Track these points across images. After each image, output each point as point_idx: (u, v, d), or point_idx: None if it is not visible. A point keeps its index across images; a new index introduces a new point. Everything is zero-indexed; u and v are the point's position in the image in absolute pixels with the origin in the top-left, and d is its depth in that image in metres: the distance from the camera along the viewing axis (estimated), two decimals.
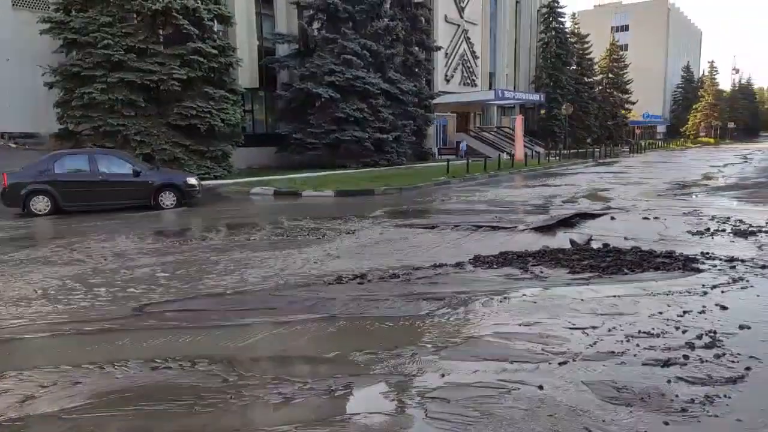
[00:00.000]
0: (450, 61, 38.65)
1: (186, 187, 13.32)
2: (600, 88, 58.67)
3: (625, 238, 8.24)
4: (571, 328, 4.55)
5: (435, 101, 33.84)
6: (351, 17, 25.79)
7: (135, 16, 18.86)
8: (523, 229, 9.36)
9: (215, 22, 20.65)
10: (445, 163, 23.20)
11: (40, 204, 12.05)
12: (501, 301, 5.34)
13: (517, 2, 49.62)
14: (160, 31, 19.17)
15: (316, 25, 26.45)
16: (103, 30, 17.58)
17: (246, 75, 24.93)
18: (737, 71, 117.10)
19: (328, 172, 22.44)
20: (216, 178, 19.61)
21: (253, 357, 4.13)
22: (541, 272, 6.39)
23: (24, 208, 12.03)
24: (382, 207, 13.02)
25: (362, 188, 16.72)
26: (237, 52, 21.48)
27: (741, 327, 4.47)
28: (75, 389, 3.63)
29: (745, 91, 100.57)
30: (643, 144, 55.86)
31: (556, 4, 49.89)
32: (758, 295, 5.37)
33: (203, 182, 18.51)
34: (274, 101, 27.60)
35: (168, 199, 13.04)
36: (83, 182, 12.45)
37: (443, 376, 3.70)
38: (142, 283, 6.21)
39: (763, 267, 6.42)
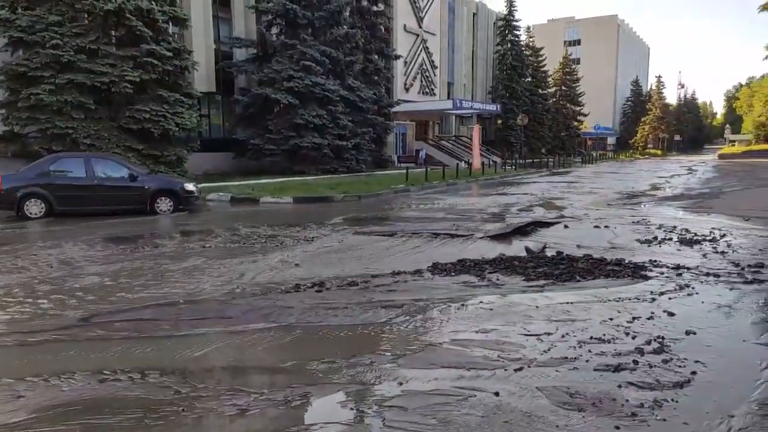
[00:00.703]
0: (409, 70, 39.04)
1: (184, 193, 13.21)
2: (554, 99, 60.40)
3: (578, 246, 8.47)
4: (526, 335, 4.63)
5: (394, 109, 34.09)
6: (310, 23, 25.73)
7: (86, 16, 18.25)
8: (481, 237, 9.49)
9: (170, 24, 20.19)
10: (405, 170, 23.36)
11: (34, 207, 11.98)
12: (458, 309, 5.39)
13: (474, 14, 50.65)
14: (113, 32, 18.62)
15: (274, 30, 26.27)
16: (51, 29, 16.91)
17: (202, 79, 24.48)
18: (683, 86, 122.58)
19: (286, 179, 22.23)
20: None
21: (207, 368, 4.02)
22: (498, 279, 6.49)
23: (18, 211, 11.90)
24: (342, 214, 12.98)
25: (321, 195, 16.62)
26: (193, 56, 21.06)
27: (687, 332, 4.64)
28: (18, 403, 3.45)
29: (690, 105, 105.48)
30: (594, 155, 57.74)
31: (511, 18, 51.16)
32: (703, 302, 5.59)
33: None
34: (231, 106, 27.19)
35: (164, 204, 12.92)
36: (78, 186, 12.32)
37: (401, 384, 3.70)
38: (90, 292, 5.97)
39: (708, 274, 6.70)
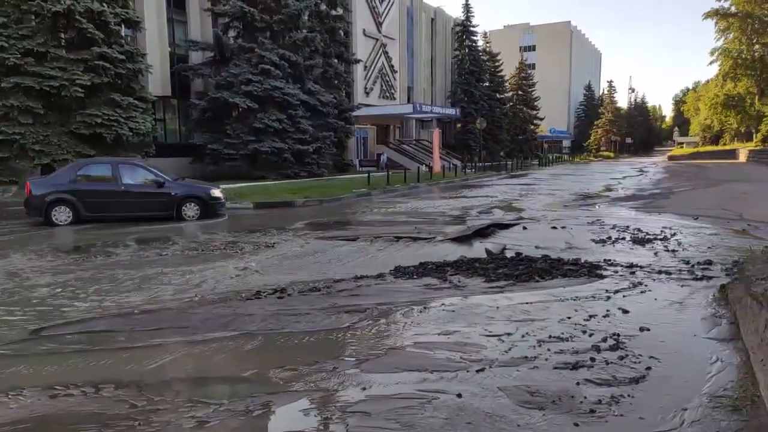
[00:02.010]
0: (369, 74, 39.15)
1: (210, 199, 13.00)
2: (511, 104, 61.61)
3: (536, 247, 8.64)
4: (487, 336, 4.68)
5: (355, 113, 34.09)
6: (269, 27, 25.49)
7: (33, 17, 17.60)
8: (442, 240, 9.57)
9: (123, 26, 19.70)
10: (366, 174, 23.37)
11: (62, 215, 11.82)
12: (421, 312, 5.41)
13: (432, 20, 51.22)
14: (62, 35, 18.03)
15: (232, 33, 25.89)
16: None
17: (157, 82, 23.92)
18: (633, 90, 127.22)
19: (246, 184, 21.89)
20: None
21: (164, 379, 3.91)
22: (459, 281, 6.55)
23: (45, 217, 11.73)
24: (303, 219, 12.86)
25: (282, 200, 16.45)
26: (147, 59, 20.59)
27: (641, 329, 4.79)
28: None
29: (640, 109, 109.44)
30: (551, 157, 59.19)
31: (468, 23, 52.01)
32: (656, 299, 5.78)
33: None
34: (187, 110, 26.66)
35: (191, 210, 12.76)
36: (105, 192, 12.22)
37: (364, 389, 3.68)
38: (41, 304, 5.72)
39: (660, 272, 6.94)
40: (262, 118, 23.79)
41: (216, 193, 13.22)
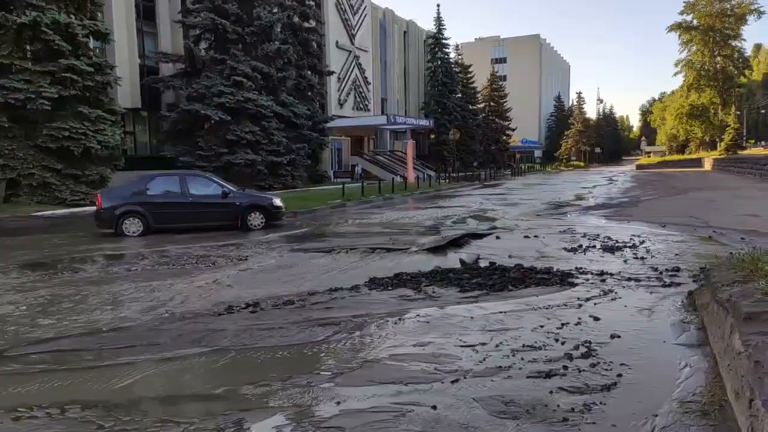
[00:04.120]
0: (343, 86, 39.26)
1: (272, 208, 13.47)
2: (483, 115, 62.47)
3: (510, 256, 8.72)
4: (462, 346, 4.69)
5: (329, 125, 34.10)
6: (241, 39, 25.40)
7: None
8: (416, 250, 9.59)
9: (91, 38, 19.38)
10: (341, 186, 23.34)
11: (133, 226, 12.18)
12: (396, 323, 5.40)
13: (405, 32, 51.74)
14: (28, 47, 17.64)
15: (203, 45, 25.74)
16: None
17: (126, 95, 23.60)
18: (601, 101, 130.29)
19: None
20: (93, 204, 18.16)
21: (133, 399, 3.80)
22: (434, 292, 6.56)
23: (116, 228, 12.04)
24: (277, 231, 12.76)
25: None
26: (116, 71, 20.30)
27: (612, 336, 4.85)
28: None
29: (608, 119, 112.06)
30: (523, 167, 60.09)
31: (440, 36, 52.68)
32: (626, 306, 5.88)
33: (78, 209, 17.15)
34: (158, 122, 26.35)
35: (256, 219, 13.17)
36: (174, 203, 12.62)
37: (339, 403, 3.64)
38: (5, 324, 5.53)
39: (629, 279, 7.07)
40: (235, 130, 23.63)
41: (278, 202, 13.76)
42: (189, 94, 24.03)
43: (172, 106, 25.26)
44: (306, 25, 32.09)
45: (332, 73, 35.65)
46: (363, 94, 41.93)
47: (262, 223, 13.18)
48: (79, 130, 17.50)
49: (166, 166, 24.48)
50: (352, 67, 40.20)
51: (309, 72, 31.99)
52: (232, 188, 13.27)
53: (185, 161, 23.65)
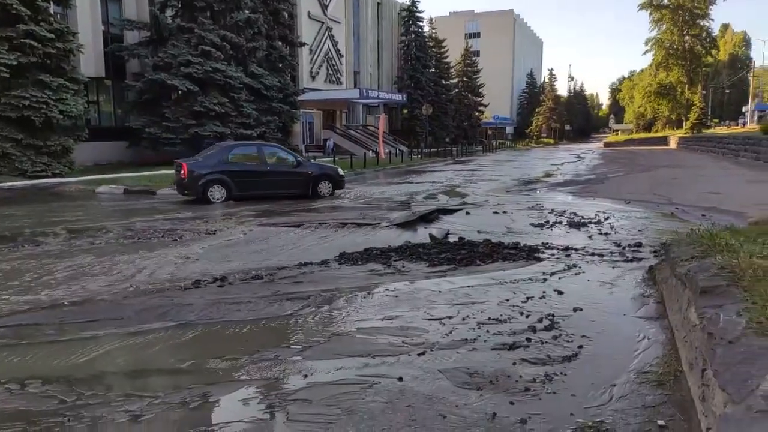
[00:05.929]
0: (315, 58, 38.56)
1: (338, 177, 14.52)
2: (456, 90, 62.25)
3: (478, 232, 8.82)
4: (429, 320, 4.75)
5: (301, 98, 33.54)
6: (209, 6, 24.61)
7: None
8: (387, 226, 9.62)
9: (51, 3, 18.53)
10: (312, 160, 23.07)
11: (217, 193, 12.85)
12: (365, 297, 5.43)
13: (378, 3, 50.88)
14: None
15: (169, 12, 24.85)
16: None
17: (90, 63, 22.74)
18: (572, 79, 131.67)
19: None
20: (55, 175, 17.67)
21: (95, 373, 3.75)
22: (403, 267, 6.61)
23: (202, 195, 12.70)
24: (246, 205, 12.62)
25: None
26: (78, 38, 19.50)
27: (575, 309, 4.98)
28: None
29: (579, 97, 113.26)
30: (494, 144, 60.41)
31: (415, 9, 51.96)
32: (589, 280, 6.03)
33: (39, 181, 16.64)
34: (123, 92, 25.51)
35: (325, 188, 14.14)
36: (254, 172, 13.43)
37: (306, 376, 3.67)
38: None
39: (593, 254, 7.24)
40: (203, 101, 23.05)
41: (341, 171, 14.94)
42: (155, 63, 23.26)
43: (138, 76, 24.45)
44: None
45: (304, 44, 34.93)
46: (335, 67, 41.28)
47: (330, 191, 14.11)
48: (39, 99, 16.84)
49: (132, 137, 23.86)
50: (324, 38, 39.45)
51: (280, 43, 31.25)
52: (301, 158, 13.98)
53: (151, 132, 23.00)
